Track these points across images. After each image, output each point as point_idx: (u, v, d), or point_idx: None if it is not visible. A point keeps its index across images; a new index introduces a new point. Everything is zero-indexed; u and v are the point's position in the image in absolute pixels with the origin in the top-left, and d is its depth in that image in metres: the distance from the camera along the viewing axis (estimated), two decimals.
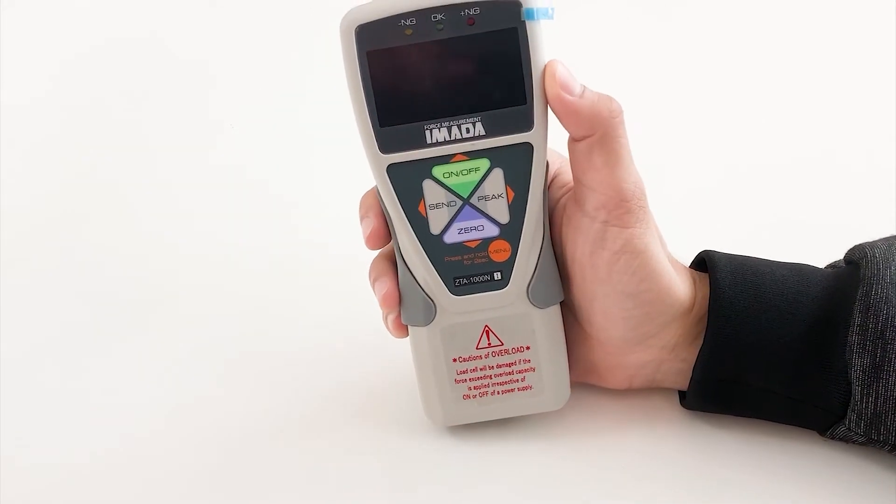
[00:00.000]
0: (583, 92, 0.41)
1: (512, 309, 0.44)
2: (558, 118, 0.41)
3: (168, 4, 0.94)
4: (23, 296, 0.62)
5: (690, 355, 0.44)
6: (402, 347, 0.48)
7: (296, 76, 0.86)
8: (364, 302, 0.51)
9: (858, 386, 0.41)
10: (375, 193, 0.44)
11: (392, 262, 0.45)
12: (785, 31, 0.84)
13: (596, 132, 0.41)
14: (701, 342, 0.44)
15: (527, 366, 0.45)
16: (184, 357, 0.55)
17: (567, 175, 0.45)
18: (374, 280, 0.46)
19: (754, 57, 0.82)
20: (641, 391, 0.48)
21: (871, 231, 0.46)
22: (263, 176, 0.74)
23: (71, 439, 0.50)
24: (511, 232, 0.43)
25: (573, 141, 0.42)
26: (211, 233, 0.67)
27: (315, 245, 0.64)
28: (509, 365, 0.45)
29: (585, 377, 0.47)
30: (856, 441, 0.43)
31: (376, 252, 0.46)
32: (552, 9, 0.40)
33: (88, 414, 0.51)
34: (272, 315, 0.58)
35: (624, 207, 0.42)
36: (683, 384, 0.46)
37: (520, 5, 0.40)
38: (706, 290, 0.44)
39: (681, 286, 0.44)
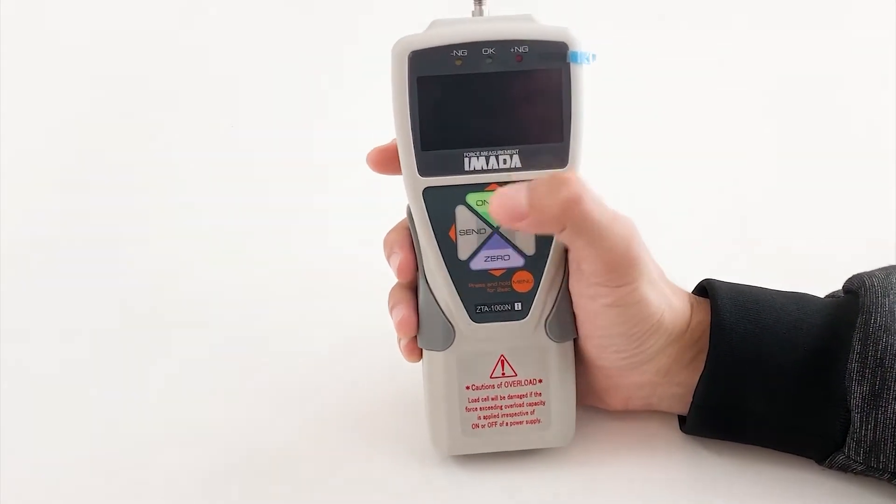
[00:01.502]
0: (529, 200, 0.41)
1: (528, 341, 0.45)
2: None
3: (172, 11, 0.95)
4: (33, 312, 0.61)
5: (685, 379, 0.46)
6: (411, 375, 0.49)
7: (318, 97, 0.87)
8: (373, 328, 0.52)
9: (858, 413, 0.43)
10: (398, 231, 0.46)
11: (410, 291, 0.46)
12: (786, 62, 0.88)
13: (566, 225, 0.41)
14: (695, 366, 0.46)
15: (537, 399, 0.46)
16: (188, 374, 0.55)
17: None
18: (392, 306, 0.46)
19: (756, 88, 0.86)
20: (642, 416, 0.49)
21: (869, 262, 0.48)
22: (274, 194, 0.74)
23: (79, 456, 0.49)
24: (535, 264, 0.45)
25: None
26: (221, 255, 0.67)
27: (328, 267, 0.64)
28: (521, 397, 0.46)
29: (583, 399, 0.48)
30: (854, 470, 0.44)
31: (394, 281, 0.47)
32: (594, 55, 0.42)
33: (98, 431, 0.51)
34: (279, 337, 0.58)
35: (614, 274, 0.43)
36: (680, 408, 0.47)
37: (567, 47, 0.42)
38: (702, 315, 0.46)
39: (671, 315, 0.45)
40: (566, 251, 0.45)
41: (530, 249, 0.44)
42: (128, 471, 0.48)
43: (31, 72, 0.90)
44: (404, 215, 0.46)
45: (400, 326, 0.46)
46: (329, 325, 0.58)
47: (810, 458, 0.46)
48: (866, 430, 0.43)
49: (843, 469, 0.45)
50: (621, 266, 0.43)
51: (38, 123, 0.84)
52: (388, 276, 0.47)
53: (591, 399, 0.49)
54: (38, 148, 0.81)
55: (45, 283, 0.64)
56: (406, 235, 0.45)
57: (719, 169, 0.74)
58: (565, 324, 0.46)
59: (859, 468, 0.44)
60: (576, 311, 0.45)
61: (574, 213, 0.41)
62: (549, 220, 0.41)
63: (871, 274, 0.46)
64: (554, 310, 0.45)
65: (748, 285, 0.47)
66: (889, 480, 0.44)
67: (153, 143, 0.81)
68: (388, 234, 0.46)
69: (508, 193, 0.42)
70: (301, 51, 0.92)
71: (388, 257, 0.46)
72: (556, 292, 0.45)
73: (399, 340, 0.47)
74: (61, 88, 0.89)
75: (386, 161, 0.44)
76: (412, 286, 0.46)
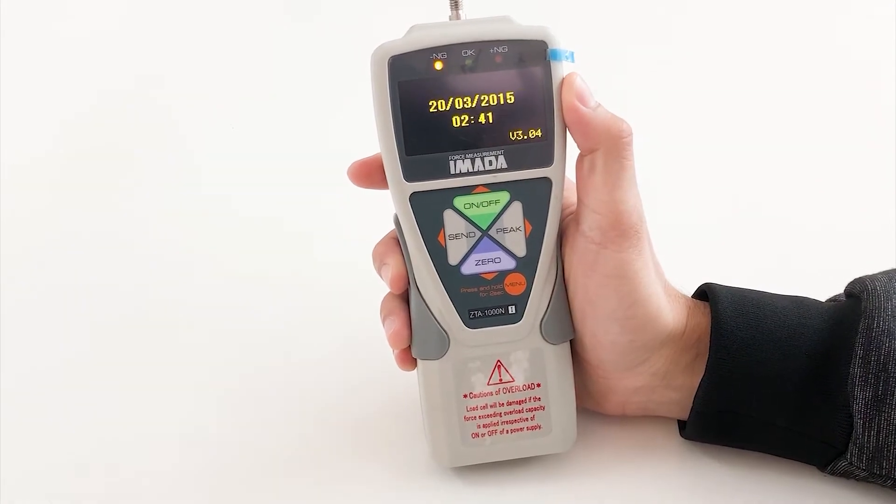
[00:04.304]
0: (597, 106, 0.42)
1: (524, 344, 0.45)
2: (569, 128, 0.43)
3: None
4: (32, 312, 0.62)
5: (684, 382, 0.45)
6: (408, 387, 0.48)
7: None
8: (369, 340, 0.52)
9: (860, 419, 0.42)
10: (385, 243, 0.46)
11: (402, 300, 0.46)
12: (794, 69, 0.86)
13: (602, 146, 0.42)
14: (693, 369, 0.45)
15: (537, 404, 0.46)
16: (185, 379, 0.55)
17: (569, 199, 0.47)
18: (384, 317, 0.46)
19: (763, 93, 0.83)
20: (641, 421, 0.48)
21: (871, 266, 0.47)
22: (273, 196, 0.73)
23: (77, 456, 0.50)
24: (527, 265, 0.44)
25: (580, 156, 0.43)
26: (219, 258, 0.67)
27: (326, 270, 0.64)
28: (520, 402, 0.46)
29: (579, 402, 0.48)
30: (857, 476, 0.43)
31: (387, 290, 0.46)
32: (573, 53, 0.43)
33: (96, 432, 0.51)
34: (275, 349, 0.57)
35: (618, 229, 0.43)
36: (678, 413, 0.47)
37: (546, 46, 0.42)
38: (699, 318, 0.45)
39: (669, 314, 0.44)
40: (558, 250, 0.45)
41: (521, 251, 0.44)
42: (122, 474, 0.49)
43: (32, 70, 0.91)
44: (392, 227, 0.46)
45: (393, 338, 0.45)
46: (328, 330, 0.58)
47: (812, 464, 0.45)
48: (869, 435, 0.42)
49: (846, 475, 0.44)
50: (626, 222, 0.42)
51: (37, 122, 0.84)
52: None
53: (588, 403, 0.48)
54: (38, 147, 0.81)
55: (44, 283, 0.64)
56: (394, 245, 0.45)
57: (718, 169, 0.73)
58: (561, 325, 0.45)
59: (862, 475, 0.43)
60: (572, 294, 0.45)
61: (620, 142, 0.42)
62: (600, 130, 0.42)
63: (873, 277, 0.45)
64: (548, 311, 0.45)
65: (749, 289, 0.46)
66: (892, 487, 0.43)
67: (150, 145, 0.81)
68: (375, 246, 0.46)
69: (586, 85, 0.43)
70: (283, 62, 0.92)
71: (379, 270, 0.46)
72: (550, 293, 0.45)
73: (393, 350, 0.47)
74: (59, 86, 0.89)
75: (368, 174, 0.44)
76: (404, 296, 0.46)
